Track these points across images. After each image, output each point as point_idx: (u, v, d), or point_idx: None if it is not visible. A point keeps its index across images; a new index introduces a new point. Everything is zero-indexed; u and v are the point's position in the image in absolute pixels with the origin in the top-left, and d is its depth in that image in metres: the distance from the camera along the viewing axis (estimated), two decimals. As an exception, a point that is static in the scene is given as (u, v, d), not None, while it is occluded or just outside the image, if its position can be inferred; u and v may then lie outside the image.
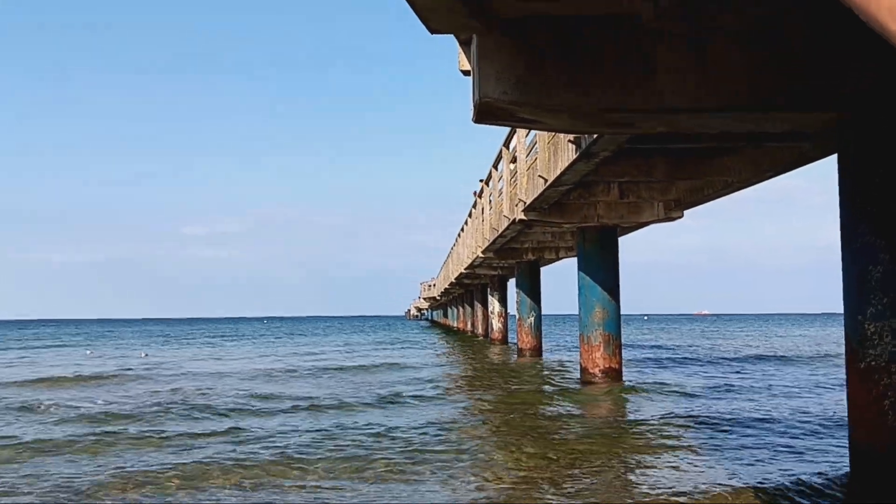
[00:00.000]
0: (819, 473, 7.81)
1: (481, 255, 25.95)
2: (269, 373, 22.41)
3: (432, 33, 5.81)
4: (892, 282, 5.97)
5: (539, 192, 13.54)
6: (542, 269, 28.53)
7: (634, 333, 55.93)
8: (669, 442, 9.62)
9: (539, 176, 13.20)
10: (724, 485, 7.30)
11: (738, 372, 21.54)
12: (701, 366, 24.03)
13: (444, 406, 13.81)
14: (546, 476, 7.68)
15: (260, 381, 19.83)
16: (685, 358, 27.95)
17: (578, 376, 16.52)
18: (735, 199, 15.00)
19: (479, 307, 44.87)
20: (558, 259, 26.88)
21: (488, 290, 38.10)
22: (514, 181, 16.87)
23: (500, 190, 19.83)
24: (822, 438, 9.98)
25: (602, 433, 10.31)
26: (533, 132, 14.15)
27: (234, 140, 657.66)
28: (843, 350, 6.71)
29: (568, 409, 12.99)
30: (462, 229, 34.07)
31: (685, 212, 14.80)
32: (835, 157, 6.81)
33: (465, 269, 33.56)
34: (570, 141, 10.69)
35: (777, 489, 7.16)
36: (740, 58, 5.85)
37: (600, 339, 15.64)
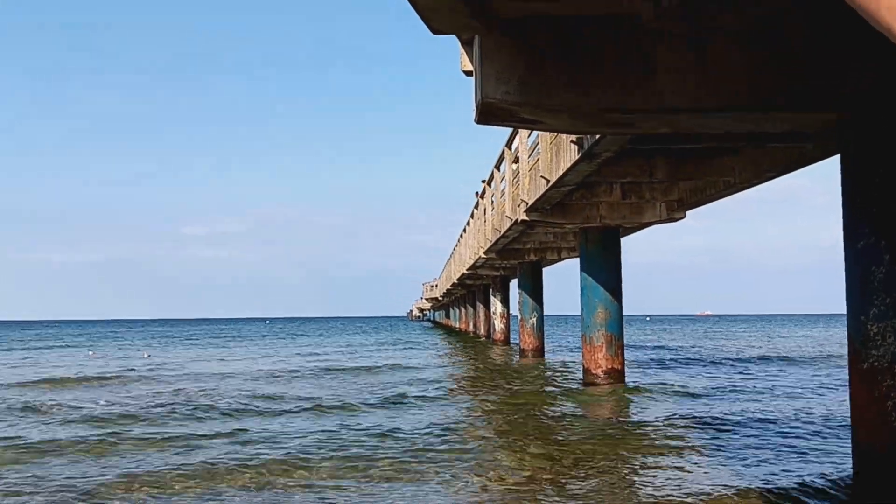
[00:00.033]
0: (823, 474, 7.79)
1: (483, 255, 25.94)
2: (273, 373, 22.42)
3: (434, 34, 5.81)
4: (894, 282, 5.96)
5: (541, 192, 13.54)
6: (545, 270, 28.52)
7: (637, 334, 55.88)
8: (673, 443, 9.61)
9: (541, 176, 13.20)
10: (729, 486, 7.29)
11: (741, 373, 21.51)
12: (704, 366, 24.01)
13: (447, 407, 13.81)
14: (550, 477, 7.68)
15: (263, 381, 19.84)
16: (688, 359, 27.93)
17: (581, 377, 16.51)
18: (737, 199, 14.99)
19: (481, 308, 44.86)
20: (560, 260, 26.86)
21: (490, 290, 38.10)
22: (517, 182, 16.87)
23: (503, 191, 19.83)
24: (825, 439, 9.97)
25: (605, 434, 10.30)
26: (535, 133, 14.15)
27: (234, 140, 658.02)
28: (846, 351, 6.70)
29: (571, 409, 12.99)
30: (464, 230, 34.08)
31: (687, 212, 14.79)
32: (837, 157, 6.81)
33: (468, 269, 33.56)
34: (572, 141, 10.69)
35: (781, 490, 7.15)
36: (740, 58, 5.85)
37: (603, 340, 15.62)
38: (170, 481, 7.75)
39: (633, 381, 16.86)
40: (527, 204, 15.10)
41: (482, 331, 43.74)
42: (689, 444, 9.55)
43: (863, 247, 6.24)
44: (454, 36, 6.26)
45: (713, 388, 16.68)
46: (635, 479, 7.74)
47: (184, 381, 20.36)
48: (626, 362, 16.46)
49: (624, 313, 15.94)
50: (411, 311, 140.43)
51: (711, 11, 5.82)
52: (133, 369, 24.96)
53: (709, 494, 6.96)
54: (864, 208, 6.25)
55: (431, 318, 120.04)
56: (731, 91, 5.88)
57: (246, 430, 11.25)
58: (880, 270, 6.04)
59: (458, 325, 65.86)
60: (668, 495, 6.97)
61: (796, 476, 7.75)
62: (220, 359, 31.87)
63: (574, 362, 23.04)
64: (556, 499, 6.89)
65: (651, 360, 27.22)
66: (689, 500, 6.80)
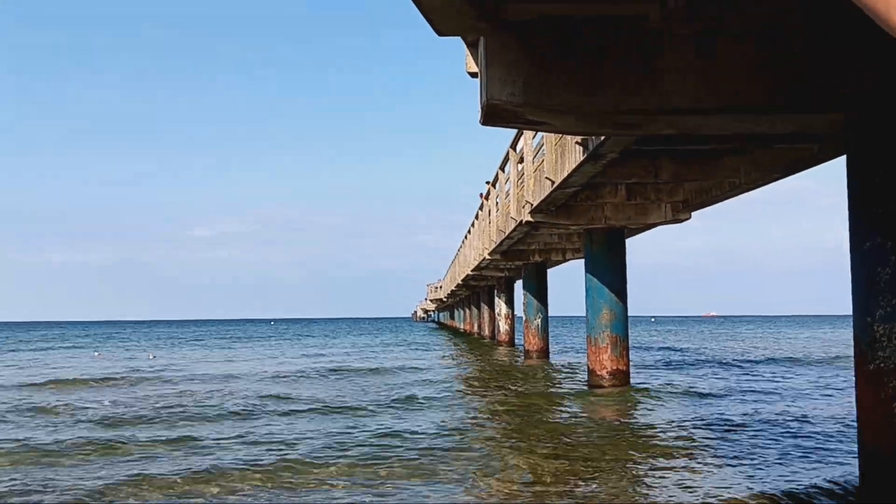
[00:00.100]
0: (831, 477, 7.78)
1: (488, 256, 25.94)
2: (280, 374, 22.45)
3: (440, 35, 5.82)
4: (901, 283, 5.94)
5: (546, 193, 13.54)
6: (549, 271, 28.51)
7: (642, 335, 55.80)
8: (680, 445, 9.59)
9: (546, 178, 13.20)
10: (736, 489, 7.28)
11: (747, 374, 21.47)
12: (709, 368, 23.96)
13: (455, 408, 13.82)
14: (557, 479, 7.67)
15: (271, 382, 19.87)
16: (693, 360, 27.88)
17: (586, 378, 16.49)
18: (742, 200, 14.96)
19: (485, 309, 44.86)
20: (565, 261, 26.86)
21: (495, 291, 38.09)
22: (521, 183, 16.87)
23: (507, 192, 19.83)
24: (832, 441, 9.94)
25: (612, 436, 10.29)
26: (540, 134, 14.15)
27: (234, 140, 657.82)
28: (852, 352, 6.69)
29: (577, 411, 12.98)
30: (469, 231, 34.09)
31: (692, 213, 14.77)
32: (844, 158, 6.80)
33: (472, 270, 33.56)
34: (577, 143, 10.69)
35: (788, 493, 7.13)
36: (746, 59, 5.85)
37: (608, 341, 15.61)
38: (180, 483, 7.75)
39: (639, 383, 16.83)
40: (531, 205, 15.10)
41: (487, 332, 43.73)
42: (696, 446, 9.54)
43: (869, 248, 6.23)
44: (458, 37, 6.27)
45: (719, 390, 16.65)
46: (643, 481, 7.72)
47: (191, 382, 20.40)
48: (631, 363, 16.45)
49: (629, 314, 15.93)
50: (416, 312, 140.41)
51: (717, 13, 5.82)
52: (139, 370, 25.01)
53: (716, 497, 6.94)
54: (871, 209, 6.24)
55: (436, 320, 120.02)
56: (736, 92, 5.87)
57: (255, 430, 11.28)
58: (886, 272, 6.03)
59: (462, 327, 65.85)
60: (676, 497, 6.97)
61: (803, 478, 7.73)
62: (227, 360, 31.91)
63: (579, 363, 23.02)
64: (568, 500, 6.88)
65: (656, 361, 27.17)
66: (696, 502, 6.79)
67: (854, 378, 6.63)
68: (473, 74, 6.80)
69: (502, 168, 20.41)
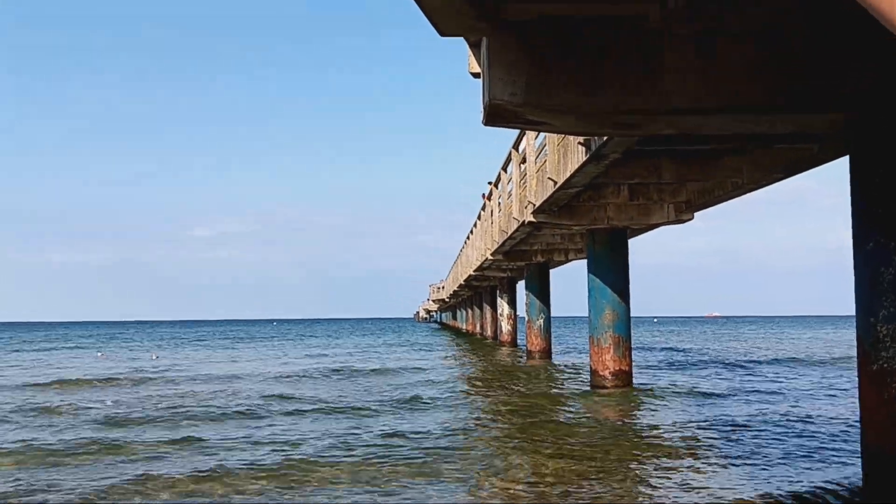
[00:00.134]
0: (834, 477, 7.77)
1: (490, 257, 25.94)
2: (284, 375, 22.46)
3: (442, 35, 5.82)
4: (904, 283, 5.93)
5: (549, 194, 13.53)
6: (552, 271, 28.50)
7: (645, 336, 55.76)
8: (683, 445, 9.57)
9: (549, 178, 13.19)
10: (739, 490, 7.27)
11: (750, 374, 21.44)
12: (712, 368, 23.93)
13: (457, 409, 13.82)
14: (561, 480, 7.67)
15: (275, 383, 19.87)
16: (696, 360, 27.85)
17: (588, 379, 16.49)
18: (745, 200, 14.94)
19: (487, 309, 44.85)
20: (567, 261, 26.85)
21: (497, 292, 38.09)
22: (524, 183, 16.86)
23: (510, 192, 19.83)
24: (836, 442, 9.93)
25: (615, 436, 10.28)
26: (542, 134, 14.15)
27: (234, 140, 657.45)
28: (855, 353, 6.67)
29: (580, 412, 12.97)
30: (471, 231, 34.09)
31: (695, 213, 14.76)
32: (846, 158, 6.79)
33: (475, 271, 33.56)
34: (580, 143, 10.69)
35: (793, 493, 7.12)
36: (746, 59, 5.84)
37: (610, 342, 15.60)
38: (185, 483, 7.74)
39: (642, 383, 16.82)
40: (534, 205, 15.10)
41: (489, 332, 43.72)
42: (700, 447, 9.52)
43: (872, 248, 6.22)
44: (459, 38, 6.27)
45: (722, 390, 16.63)
46: (647, 482, 7.71)
47: (195, 382, 20.42)
48: (633, 364, 16.43)
49: (632, 315, 15.92)
50: (418, 312, 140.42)
51: (717, 13, 5.81)
52: (143, 371, 25.04)
53: (720, 498, 6.93)
54: (873, 210, 6.23)
55: (438, 320, 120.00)
56: (737, 92, 5.87)
57: (260, 431, 11.29)
58: (889, 272, 6.02)
59: (465, 327, 65.85)
60: (681, 498, 6.96)
61: (807, 479, 7.72)
62: (231, 360, 31.95)
63: (581, 364, 23.01)
64: (570, 501, 6.88)
65: (659, 361, 27.15)
66: (701, 503, 6.79)
67: (857, 378, 6.62)
68: (476, 75, 6.80)
69: (504, 168, 20.40)
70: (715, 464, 8.49)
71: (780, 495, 7.03)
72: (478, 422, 12.31)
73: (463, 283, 43.23)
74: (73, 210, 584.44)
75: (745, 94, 5.87)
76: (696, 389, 16.66)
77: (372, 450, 9.47)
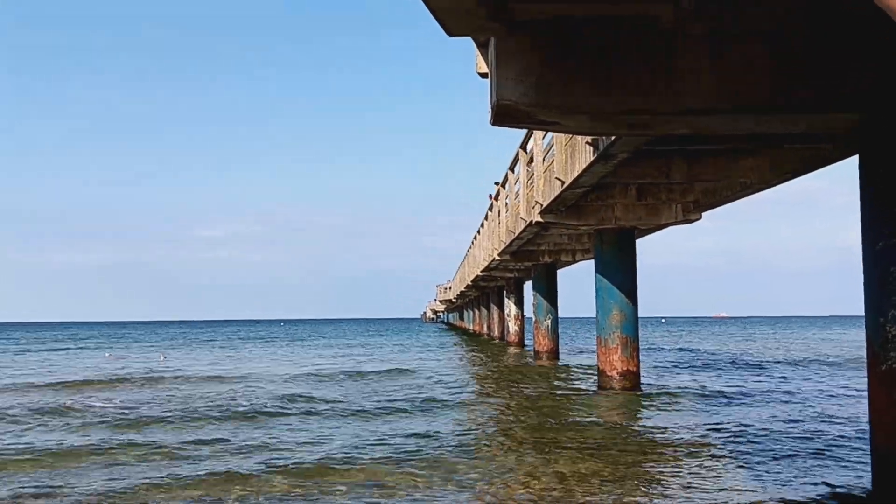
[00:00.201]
0: (844, 479, 7.74)
1: (497, 257, 25.94)
2: (296, 376, 22.45)
3: (450, 36, 5.82)
4: (914, 284, 5.91)
5: (556, 193, 13.52)
6: (559, 272, 28.47)
7: (652, 336, 55.64)
8: (691, 449, 9.53)
9: (556, 178, 13.18)
10: (749, 493, 7.25)
11: (758, 375, 21.38)
12: (720, 369, 23.87)
13: (470, 410, 13.84)
14: (571, 480, 7.67)
15: (288, 383, 19.85)
16: (704, 361, 27.77)
17: (596, 379, 16.47)
18: (753, 200, 14.82)
19: (495, 310, 44.84)
20: (575, 261, 26.81)
21: (504, 292, 38.08)
22: (531, 183, 16.85)
23: (517, 192, 19.82)
24: (846, 443, 9.89)
25: (623, 437, 10.28)
26: (550, 134, 14.13)
27: (234, 140, 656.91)
28: (864, 353, 6.65)
29: (587, 412, 12.96)
30: (478, 232, 34.08)
31: (703, 213, 14.72)
32: (857, 157, 6.76)
33: (482, 271, 33.55)
34: (587, 143, 10.67)
35: (803, 495, 7.10)
36: (760, 59, 5.83)
37: (618, 342, 15.58)
38: (201, 484, 7.72)
39: (649, 384, 16.79)
40: (541, 205, 15.08)
41: (496, 333, 43.71)
42: (708, 448, 9.50)
43: (882, 248, 6.19)
44: (465, 38, 6.27)
45: (731, 391, 16.58)
46: (655, 483, 7.70)
47: (208, 382, 20.42)
48: (641, 365, 16.40)
49: (639, 315, 15.89)
50: (425, 312, 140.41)
51: (730, 12, 5.80)
52: (154, 371, 25.10)
53: (729, 500, 6.92)
54: (883, 209, 6.20)
55: (445, 321, 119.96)
56: (751, 92, 5.86)
57: (275, 431, 11.32)
58: (900, 272, 5.99)
59: (472, 327, 65.82)
60: (690, 499, 6.95)
61: (817, 480, 7.70)
62: (241, 360, 32.00)
63: (589, 364, 22.97)
64: (581, 500, 6.88)
65: (667, 362, 27.09)
66: None
67: (867, 379, 6.60)
68: (483, 75, 6.80)
69: (512, 168, 20.40)
70: (724, 465, 8.46)
71: (790, 497, 7.01)
72: (490, 422, 12.32)
73: (470, 283, 43.23)
74: (74, 210, 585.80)
75: (760, 94, 5.86)
76: (703, 390, 16.61)
77: (388, 450, 9.49)
